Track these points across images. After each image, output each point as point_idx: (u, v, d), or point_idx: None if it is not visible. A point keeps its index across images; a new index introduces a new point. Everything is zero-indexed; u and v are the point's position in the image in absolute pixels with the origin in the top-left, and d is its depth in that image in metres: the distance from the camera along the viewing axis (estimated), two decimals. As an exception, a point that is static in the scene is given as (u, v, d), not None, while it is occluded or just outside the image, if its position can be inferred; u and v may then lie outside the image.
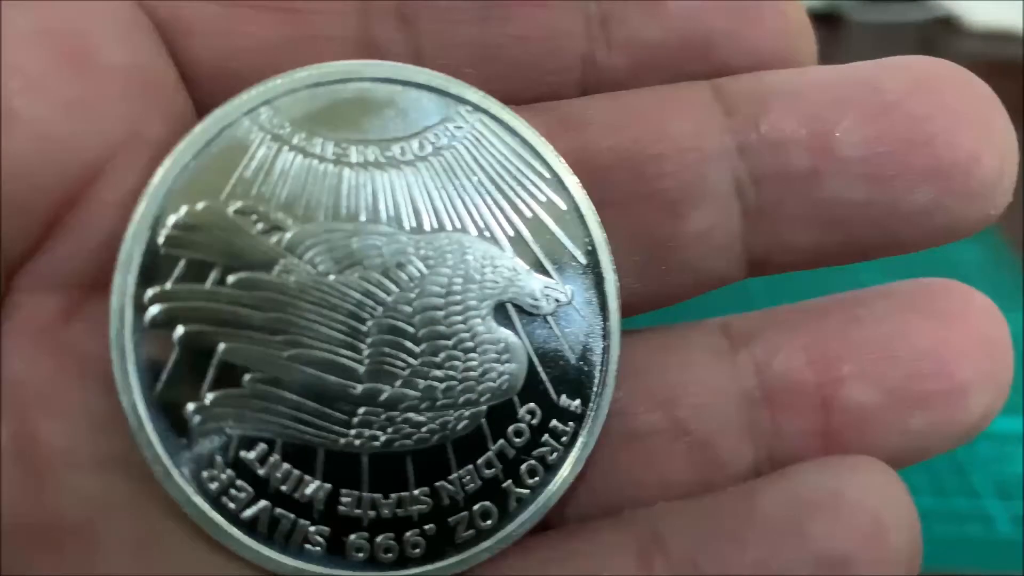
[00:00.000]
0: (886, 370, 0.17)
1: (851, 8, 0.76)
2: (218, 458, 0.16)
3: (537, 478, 0.17)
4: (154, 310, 0.15)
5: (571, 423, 0.17)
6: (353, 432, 0.16)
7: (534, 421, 0.17)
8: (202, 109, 0.17)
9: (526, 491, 0.17)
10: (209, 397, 0.16)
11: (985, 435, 0.34)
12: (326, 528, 0.16)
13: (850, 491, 0.16)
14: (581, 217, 0.17)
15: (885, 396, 0.17)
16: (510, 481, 0.17)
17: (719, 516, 0.17)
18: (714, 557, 0.16)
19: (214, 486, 0.16)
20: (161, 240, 0.15)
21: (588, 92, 0.19)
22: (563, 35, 0.18)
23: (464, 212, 0.17)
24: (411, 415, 0.16)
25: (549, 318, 0.17)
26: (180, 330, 0.15)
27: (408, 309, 0.16)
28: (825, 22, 0.78)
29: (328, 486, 0.16)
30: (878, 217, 0.17)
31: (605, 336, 0.17)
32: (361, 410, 0.16)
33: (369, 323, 0.16)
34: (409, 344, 0.16)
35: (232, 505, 0.16)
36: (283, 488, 0.16)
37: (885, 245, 0.18)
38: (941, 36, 0.75)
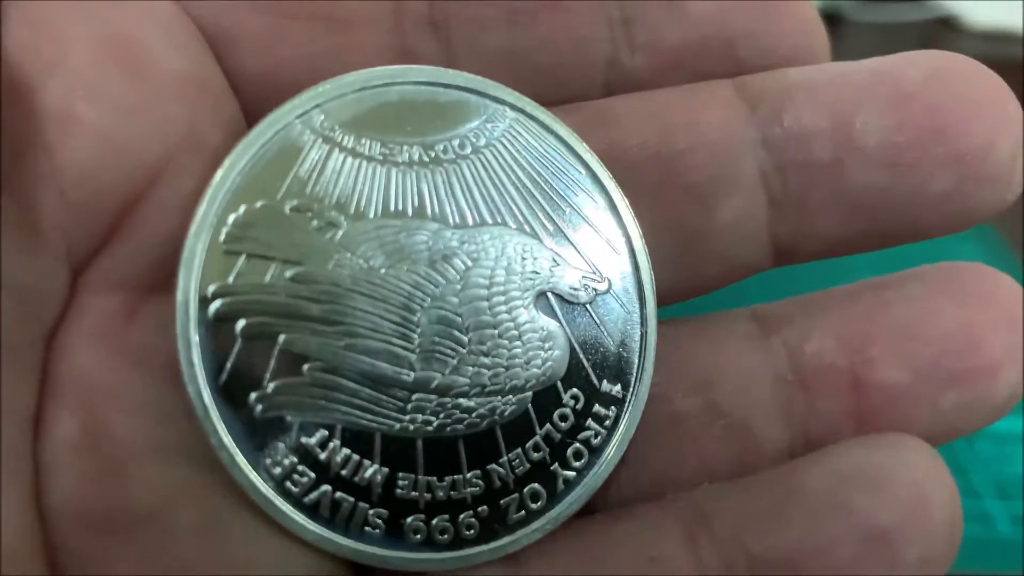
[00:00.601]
0: (916, 350, 0.18)
1: (851, 8, 0.76)
2: (280, 445, 0.16)
3: (583, 460, 0.18)
4: (217, 304, 0.16)
5: (613, 407, 0.18)
6: (407, 417, 0.17)
7: (578, 406, 0.18)
8: (247, 116, 0.18)
9: (572, 473, 0.18)
10: (271, 386, 0.16)
11: (985, 435, 0.34)
12: (384, 511, 0.17)
13: (893, 467, 0.17)
14: (616, 210, 0.18)
15: (916, 375, 0.17)
16: (557, 464, 0.17)
17: (763, 495, 0.17)
18: (760, 535, 0.17)
19: (277, 471, 0.16)
20: (222, 238, 0.16)
21: (612, 93, 0.19)
22: (588, 38, 0.19)
23: (504, 207, 0.17)
24: (461, 401, 0.17)
25: (589, 307, 0.18)
26: (242, 323, 0.16)
27: (455, 300, 0.17)
28: (825, 22, 0.78)
29: (386, 470, 0.17)
30: (899, 204, 0.18)
31: (643, 323, 0.18)
32: (415, 396, 0.17)
33: (419, 314, 0.17)
34: (457, 333, 0.17)
35: (295, 489, 0.16)
36: (343, 472, 0.17)
37: (907, 232, 0.18)
38: (941, 36, 0.76)
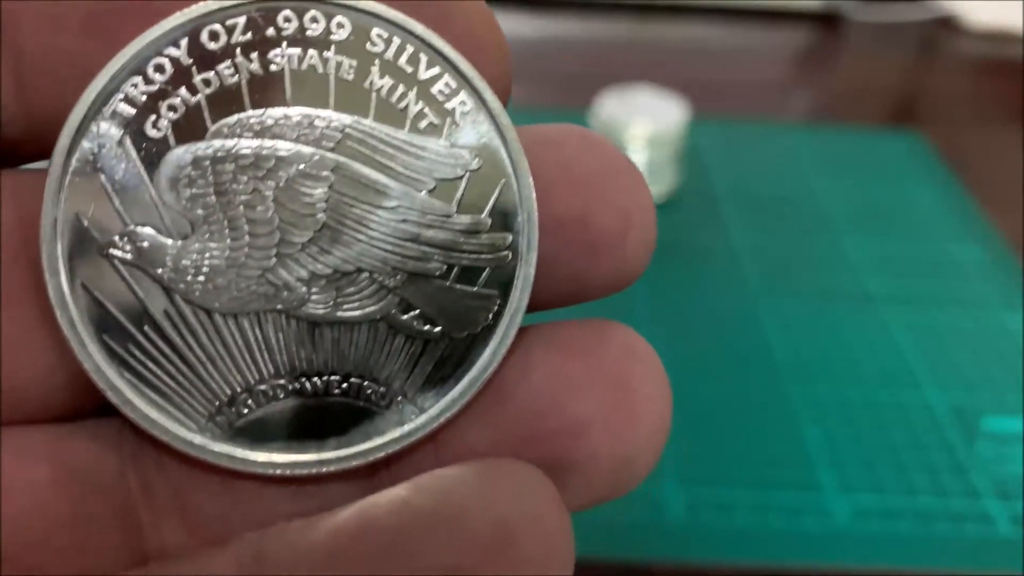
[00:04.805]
0: (499, 410, 0.15)
1: (851, 8, 0.76)
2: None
3: None
4: None
5: None
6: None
7: None
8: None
9: None
10: None
11: (985, 435, 0.33)
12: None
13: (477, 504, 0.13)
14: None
15: (496, 435, 0.15)
16: None
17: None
18: None
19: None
20: None
21: None
22: None
23: None
24: None
25: None
26: None
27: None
28: (825, 22, 0.78)
29: None
30: None
31: None
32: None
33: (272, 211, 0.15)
34: None
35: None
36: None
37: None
38: (941, 36, 0.76)
